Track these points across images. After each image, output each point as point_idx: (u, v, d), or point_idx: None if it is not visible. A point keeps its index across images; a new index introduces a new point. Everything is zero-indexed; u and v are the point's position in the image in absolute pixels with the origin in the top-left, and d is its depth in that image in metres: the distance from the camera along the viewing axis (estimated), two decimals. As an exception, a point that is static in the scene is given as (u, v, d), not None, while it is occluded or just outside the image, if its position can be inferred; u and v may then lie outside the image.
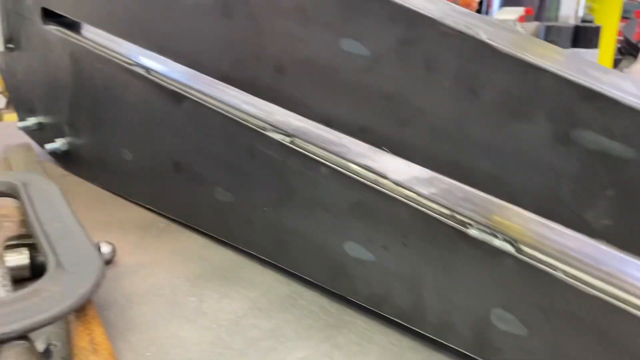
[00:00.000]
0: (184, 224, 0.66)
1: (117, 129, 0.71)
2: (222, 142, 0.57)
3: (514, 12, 3.18)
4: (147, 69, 0.64)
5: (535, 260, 0.38)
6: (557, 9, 3.20)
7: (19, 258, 0.50)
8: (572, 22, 2.85)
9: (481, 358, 0.42)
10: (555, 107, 0.36)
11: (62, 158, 0.83)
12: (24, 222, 0.54)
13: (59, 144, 0.80)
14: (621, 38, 3.58)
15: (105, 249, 0.56)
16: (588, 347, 0.37)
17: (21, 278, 0.49)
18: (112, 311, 0.49)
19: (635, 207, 0.34)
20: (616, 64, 3.33)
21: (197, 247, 0.62)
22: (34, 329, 0.37)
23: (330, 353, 0.45)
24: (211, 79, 0.58)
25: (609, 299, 0.35)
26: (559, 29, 2.41)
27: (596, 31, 2.42)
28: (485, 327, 0.41)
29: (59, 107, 0.79)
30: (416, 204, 0.43)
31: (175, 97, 0.61)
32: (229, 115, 0.56)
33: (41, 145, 0.85)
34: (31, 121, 0.85)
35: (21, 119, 0.88)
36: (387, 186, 0.45)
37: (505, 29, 0.40)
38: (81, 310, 0.43)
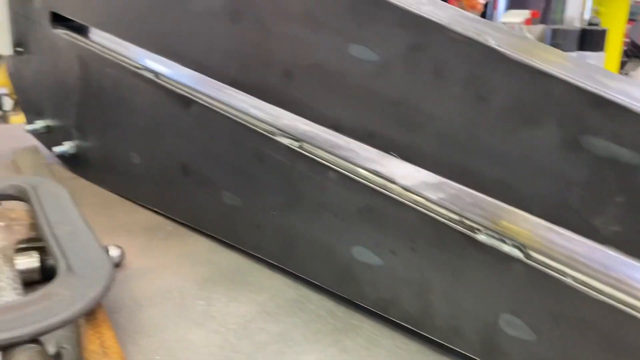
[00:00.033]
0: (191, 227, 0.67)
1: (125, 132, 0.72)
2: (230, 146, 0.58)
3: (520, 15, 3.18)
4: (156, 73, 0.65)
5: (544, 266, 0.38)
6: (563, 11, 3.20)
7: (29, 261, 0.50)
8: (578, 24, 2.85)
9: (489, 363, 0.43)
10: (564, 113, 0.36)
11: (70, 161, 0.83)
12: (34, 225, 0.54)
13: (67, 147, 0.81)
14: (627, 40, 3.57)
15: (114, 252, 0.56)
16: (597, 353, 0.37)
17: (31, 281, 0.50)
18: (121, 314, 0.50)
19: (645, 213, 0.35)
20: (622, 66, 3.33)
21: (205, 251, 0.63)
22: (45, 332, 0.37)
23: (338, 357, 0.45)
24: (219, 83, 0.58)
25: (617, 305, 0.35)
26: (565, 32, 2.41)
27: (602, 34, 2.42)
28: (494, 332, 0.41)
29: (67, 110, 0.80)
30: (425, 209, 0.43)
31: (184, 101, 0.61)
32: (237, 119, 0.56)
33: (49, 148, 0.85)
34: (39, 124, 0.86)
35: (29, 121, 0.88)
36: (395, 191, 0.45)
37: (514, 35, 0.41)
38: (91, 313, 0.44)
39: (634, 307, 0.35)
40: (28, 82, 0.88)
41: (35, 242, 0.52)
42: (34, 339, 0.37)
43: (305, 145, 0.51)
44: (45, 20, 0.77)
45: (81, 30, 0.75)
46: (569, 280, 0.37)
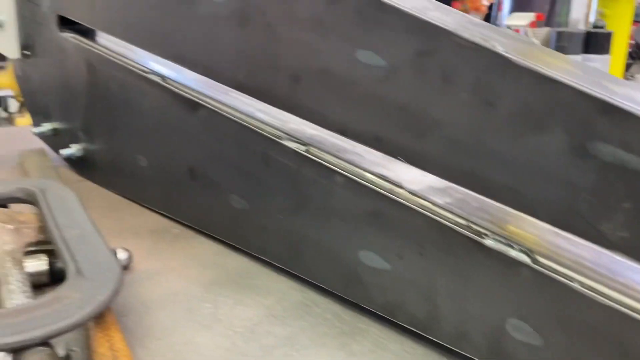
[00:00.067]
0: (197, 230, 0.67)
1: (132, 135, 0.72)
2: (237, 150, 0.58)
3: (525, 18, 3.18)
4: (163, 77, 0.65)
5: (551, 271, 0.38)
6: (568, 13, 3.20)
7: (38, 264, 0.51)
8: (583, 26, 2.85)
9: (496, 367, 0.43)
10: (571, 119, 0.36)
11: (77, 164, 0.84)
12: (43, 228, 0.54)
13: (74, 149, 0.81)
14: (633, 42, 3.56)
15: (122, 255, 0.56)
16: (603, 358, 0.37)
17: (40, 284, 0.50)
18: (129, 317, 0.50)
19: (652, 219, 0.35)
20: (627, 68, 3.32)
21: (212, 254, 0.63)
22: (56, 335, 0.38)
23: (345, 361, 0.46)
24: (226, 87, 0.58)
25: (624, 310, 0.35)
26: (571, 35, 2.41)
27: (608, 37, 2.42)
28: (501, 336, 0.42)
29: (74, 113, 0.80)
30: (432, 213, 0.44)
31: (191, 105, 0.61)
32: (244, 123, 0.56)
33: (56, 150, 0.86)
34: (46, 127, 0.86)
35: (36, 124, 0.89)
36: (402, 195, 0.45)
37: (521, 40, 0.41)
38: (100, 316, 0.44)
39: (641, 312, 0.35)
40: (35, 85, 0.89)
41: (44, 245, 0.53)
42: (44, 342, 0.37)
43: (312, 150, 0.51)
44: (53, 24, 0.78)
45: (88, 33, 0.76)
46: (576, 285, 0.37)
